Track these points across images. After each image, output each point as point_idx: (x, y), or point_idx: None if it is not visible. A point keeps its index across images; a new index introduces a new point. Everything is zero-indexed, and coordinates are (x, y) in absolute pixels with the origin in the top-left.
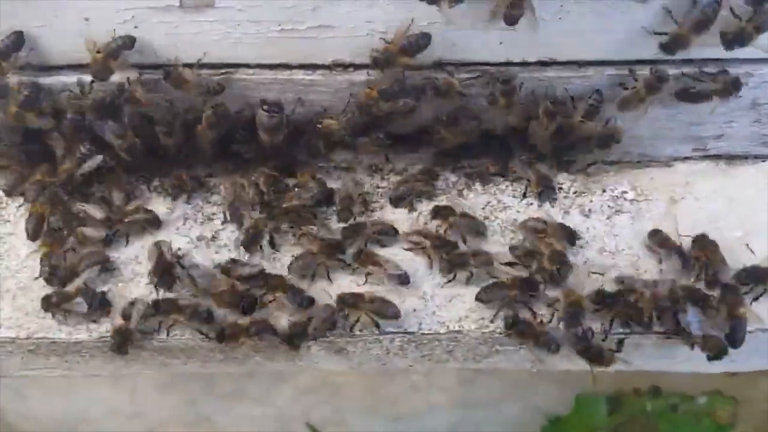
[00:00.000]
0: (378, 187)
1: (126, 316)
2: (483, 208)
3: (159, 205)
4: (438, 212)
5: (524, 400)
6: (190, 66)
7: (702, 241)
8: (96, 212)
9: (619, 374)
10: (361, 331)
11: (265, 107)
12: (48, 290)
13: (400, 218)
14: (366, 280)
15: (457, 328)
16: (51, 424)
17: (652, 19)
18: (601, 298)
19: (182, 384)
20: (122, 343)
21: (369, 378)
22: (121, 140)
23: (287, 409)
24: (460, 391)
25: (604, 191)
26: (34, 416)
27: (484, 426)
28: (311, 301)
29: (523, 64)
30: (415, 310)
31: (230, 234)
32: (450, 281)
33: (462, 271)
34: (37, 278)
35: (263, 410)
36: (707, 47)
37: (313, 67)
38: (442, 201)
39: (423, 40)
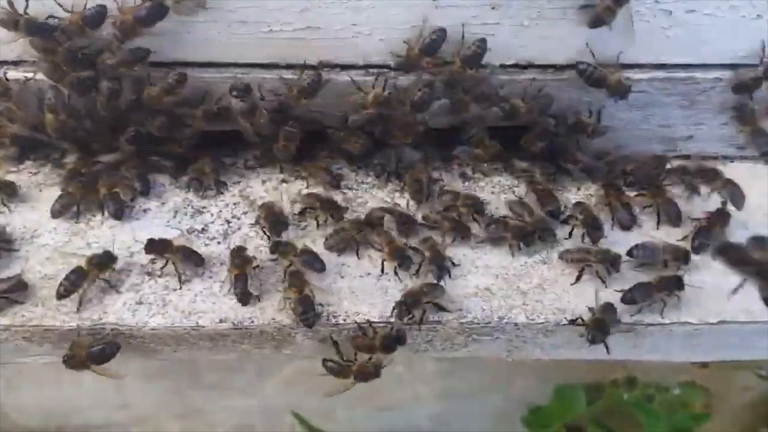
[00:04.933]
0: (363, 182)
1: None
2: None
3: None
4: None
5: (504, 391)
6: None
7: None
8: None
9: (596, 365)
10: (344, 321)
11: (234, 93)
12: None
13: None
14: None
15: (436, 319)
16: (41, 414)
17: (626, 23)
18: None
19: (168, 375)
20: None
21: None
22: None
23: (274, 401)
24: (441, 382)
25: (579, 189)
26: (24, 407)
27: (466, 416)
28: None
29: (501, 66)
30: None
31: (219, 227)
32: None
33: None
34: None
35: (250, 402)
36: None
37: (301, 67)
38: None
39: None
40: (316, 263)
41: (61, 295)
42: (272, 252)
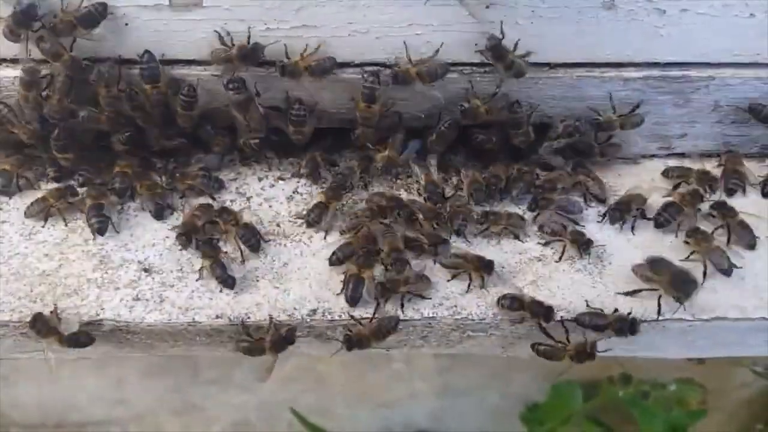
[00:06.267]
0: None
1: None
2: None
3: None
4: None
5: (502, 388)
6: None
7: None
8: None
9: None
10: (340, 317)
11: (229, 85)
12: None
13: None
14: None
15: (431, 315)
16: (39, 411)
17: (618, 23)
18: None
19: (167, 371)
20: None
21: (352, 367)
22: None
23: (272, 397)
24: (440, 379)
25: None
26: (24, 404)
27: (464, 413)
28: None
29: None
30: None
31: None
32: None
33: None
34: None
35: (248, 398)
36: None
37: None
38: None
39: None
40: (252, 239)
41: None
42: (217, 216)
